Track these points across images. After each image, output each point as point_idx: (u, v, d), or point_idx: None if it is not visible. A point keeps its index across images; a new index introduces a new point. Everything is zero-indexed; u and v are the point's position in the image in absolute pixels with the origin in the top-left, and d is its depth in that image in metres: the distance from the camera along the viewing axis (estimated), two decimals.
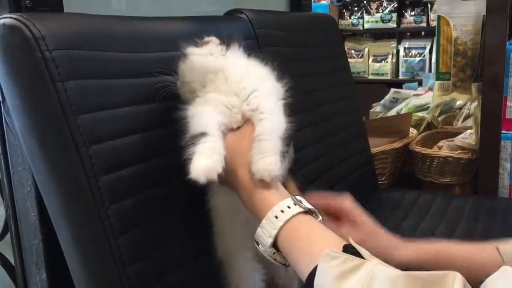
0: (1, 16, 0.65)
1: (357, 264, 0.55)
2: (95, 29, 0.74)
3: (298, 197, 0.66)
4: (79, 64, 0.68)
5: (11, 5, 0.76)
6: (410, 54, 3.97)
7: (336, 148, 1.34)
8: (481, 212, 1.32)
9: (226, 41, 0.74)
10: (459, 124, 1.98)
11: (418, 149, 1.67)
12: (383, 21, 4.05)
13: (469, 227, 1.23)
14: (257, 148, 0.67)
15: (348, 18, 4.20)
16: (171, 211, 0.77)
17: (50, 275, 0.79)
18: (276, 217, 0.63)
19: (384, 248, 0.76)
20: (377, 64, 4.08)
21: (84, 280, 0.69)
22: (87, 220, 0.67)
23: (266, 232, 0.63)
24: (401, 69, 4.01)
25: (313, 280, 0.56)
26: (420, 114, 2.03)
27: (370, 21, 4.11)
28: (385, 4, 4.06)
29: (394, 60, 4.05)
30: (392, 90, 2.42)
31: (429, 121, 1.98)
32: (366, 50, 4.13)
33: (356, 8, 4.18)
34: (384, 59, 4.06)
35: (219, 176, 0.70)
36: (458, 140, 1.65)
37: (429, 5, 3.87)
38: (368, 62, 4.11)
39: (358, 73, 4.06)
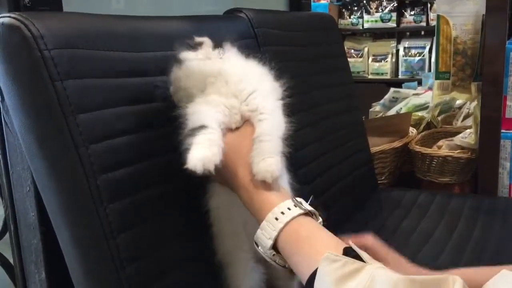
0: (0, 15, 0.65)
1: (357, 267, 0.55)
2: (94, 28, 0.74)
3: (298, 199, 0.66)
4: (78, 63, 0.68)
5: (10, 4, 0.76)
6: (409, 53, 3.98)
7: (335, 147, 1.34)
8: (480, 211, 1.32)
9: (220, 41, 0.74)
10: (458, 123, 1.98)
11: (418, 148, 1.67)
12: (382, 20, 4.05)
13: (468, 226, 1.23)
14: (258, 149, 0.67)
15: (347, 17, 4.20)
16: (170, 210, 0.77)
17: (49, 275, 0.79)
18: (276, 218, 0.62)
19: None
20: (377, 64, 4.08)
21: (83, 280, 0.69)
22: (86, 220, 0.67)
23: (266, 234, 0.63)
24: (401, 69, 4.01)
25: (313, 283, 0.56)
26: (419, 113, 2.03)
27: (369, 21, 4.11)
28: (384, 3, 4.06)
29: (393, 60, 4.05)
30: (392, 89, 2.42)
31: (429, 120, 1.97)
32: (366, 49, 4.13)
33: (355, 8, 4.18)
34: (384, 59, 4.06)
35: (218, 176, 0.70)
36: (458, 139, 1.65)
37: (429, 5, 3.87)
38: (367, 61, 4.11)
39: (358, 72, 4.06)
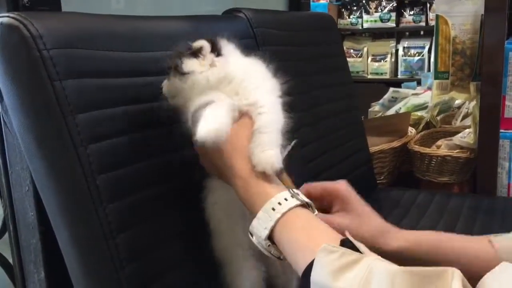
0: None
1: (354, 258, 0.54)
2: (93, 28, 0.74)
3: (295, 190, 0.66)
4: (77, 63, 0.68)
5: (9, 4, 0.76)
6: (409, 53, 3.98)
7: (335, 147, 1.34)
8: (479, 211, 1.32)
9: (219, 42, 0.73)
10: (457, 123, 1.98)
11: (417, 148, 1.67)
12: (382, 20, 4.05)
13: (467, 226, 1.23)
14: (257, 141, 0.67)
15: (347, 17, 4.21)
16: (169, 210, 0.77)
17: (48, 274, 0.79)
18: (273, 209, 0.62)
19: (377, 232, 0.76)
20: (376, 64, 4.08)
21: (82, 279, 0.69)
22: (85, 219, 0.67)
23: (262, 224, 0.62)
24: (400, 69, 4.02)
25: (309, 275, 0.55)
26: (418, 113, 2.03)
27: (369, 21, 4.11)
28: (384, 3, 4.06)
29: (393, 60, 4.06)
30: (391, 89, 2.42)
31: (428, 120, 1.98)
32: (365, 49, 4.13)
33: (355, 8, 4.18)
34: (383, 59, 4.07)
35: (214, 168, 0.70)
36: (457, 139, 1.65)
37: (428, 5, 3.88)
38: (367, 61, 4.11)
39: (357, 72, 4.06)
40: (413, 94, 2.34)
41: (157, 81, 0.75)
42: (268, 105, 0.70)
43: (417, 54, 3.94)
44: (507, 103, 1.48)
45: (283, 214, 0.62)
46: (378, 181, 1.62)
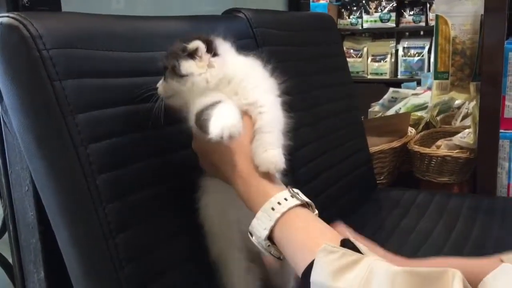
0: None
1: (355, 259, 0.54)
2: (93, 28, 0.74)
3: (295, 190, 0.66)
4: (77, 63, 0.68)
5: (9, 4, 0.76)
6: (409, 53, 3.98)
7: (335, 147, 1.34)
8: (479, 211, 1.32)
9: (214, 41, 0.72)
10: (457, 123, 1.98)
11: (417, 148, 1.67)
12: (382, 20, 4.05)
13: (467, 226, 1.23)
14: (259, 141, 0.67)
15: (347, 17, 4.20)
16: (169, 210, 0.77)
17: (48, 274, 0.79)
18: (273, 208, 0.62)
19: None
20: (376, 64, 4.08)
21: (81, 279, 0.69)
22: (84, 219, 0.67)
23: (261, 224, 0.62)
24: (400, 69, 4.01)
25: (309, 275, 0.55)
26: (418, 113, 2.04)
27: (369, 21, 4.11)
28: (384, 3, 4.06)
29: (393, 60, 4.05)
30: (391, 89, 2.42)
31: (428, 120, 1.98)
32: (365, 49, 4.13)
33: (355, 8, 4.18)
34: (383, 59, 4.06)
35: (213, 168, 0.70)
36: (457, 139, 1.65)
37: (428, 5, 3.88)
38: (367, 61, 4.11)
39: (357, 72, 4.06)
40: (413, 94, 2.34)
41: (157, 81, 0.75)
42: (268, 104, 0.70)
43: (417, 54, 3.94)
44: (507, 103, 1.48)
45: (283, 214, 0.62)
46: (378, 181, 1.62)
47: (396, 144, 1.68)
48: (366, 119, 2.07)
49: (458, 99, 1.99)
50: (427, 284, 0.50)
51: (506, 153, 1.50)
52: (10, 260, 0.89)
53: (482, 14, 1.52)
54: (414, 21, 3.98)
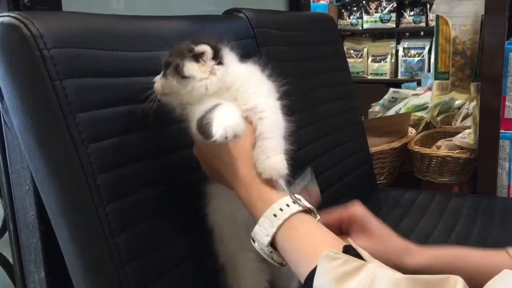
0: (0, 15, 0.65)
1: (358, 265, 0.54)
2: (94, 27, 0.74)
3: (297, 196, 0.66)
4: (78, 62, 0.68)
5: (10, 3, 0.76)
6: (409, 54, 3.98)
7: (334, 147, 1.35)
8: (479, 211, 1.32)
9: (222, 49, 0.72)
10: (457, 123, 1.98)
11: (417, 148, 1.67)
12: (382, 21, 4.05)
13: (467, 226, 1.23)
14: (262, 147, 0.66)
15: (347, 18, 4.20)
16: (170, 210, 0.77)
17: (48, 274, 0.79)
18: (275, 215, 0.62)
19: (397, 252, 0.74)
20: (376, 64, 4.08)
21: (82, 278, 0.69)
22: (85, 219, 0.67)
23: (264, 230, 0.62)
24: (400, 69, 4.02)
25: (312, 281, 0.55)
26: (419, 113, 2.04)
27: (369, 21, 4.11)
28: (384, 4, 4.06)
29: (393, 60, 4.05)
30: (391, 90, 2.42)
31: (428, 120, 1.98)
32: (365, 50, 4.13)
33: (355, 8, 4.18)
34: (383, 59, 4.06)
35: (216, 174, 0.70)
36: (457, 139, 1.65)
37: (428, 5, 3.88)
38: (367, 62, 4.11)
39: (357, 73, 4.06)
40: (413, 95, 2.34)
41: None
42: (268, 109, 0.70)
43: (417, 55, 3.94)
44: (507, 103, 1.48)
45: (285, 221, 0.62)
46: (378, 182, 1.62)
47: (396, 144, 1.68)
48: (366, 120, 2.07)
49: (459, 99, 1.99)
50: None
51: (506, 153, 1.50)
52: (11, 260, 0.89)
53: (482, 15, 1.52)
54: (414, 22, 3.98)
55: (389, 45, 4.10)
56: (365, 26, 4.14)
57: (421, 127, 1.95)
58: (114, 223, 0.67)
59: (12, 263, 0.88)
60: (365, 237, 0.75)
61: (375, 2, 4.08)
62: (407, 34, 4.15)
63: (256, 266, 0.75)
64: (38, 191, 0.71)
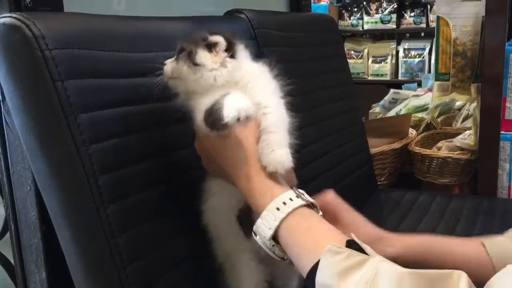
0: (1, 15, 0.66)
1: (360, 260, 0.54)
2: (95, 28, 0.74)
3: (300, 190, 0.66)
4: (79, 63, 0.68)
5: (11, 4, 0.76)
6: (409, 55, 3.98)
7: (335, 148, 1.35)
8: (480, 212, 1.32)
9: (236, 44, 0.72)
10: (458, 124, 1.98)
11: (417, 149, 1.67)
12: (382, 22, 4.05)
13: (468, 227, 1.23)
14: (266, 141, 0.66)
15: (347, 19, 4.21)
16: (170, 210, 0.77)
17: (49, 274, 0.79)
18: (278, 208, 0.62)
19: (370, 241, 0.74)
20: (377, 65, 4.08)
21: (83, 279, 0.69)
22: (86, 219, 0.67)
23: (266, 224, 0.62)
24: (401, 70, 4.02)
25: (314, 275, 0.55)
26: (419, 114, 2.04)
27: (369, 22, 4.11)
28: (384, 5, 4.06)
29: (393, 61, 4.06)
30: (392, 90, 2.42)
31: (428, 121, 1.98)
32: (366, 51, 4.13)
33: (355, 9, 4.18)
34: (384, 60, 4.07)
35: (217, 168, 0.70)
36: (457, 140, 1.65)
37: (429, 6, 3.88)
38: (367, 63, 4.11)
39: (358, 74, 4.06)
40: (413, 96, 2.34)
41: (159, 82, 0.75)
42: (272, 105, 0.70)
43: (417, 56, 3.94)
44: (507, 104, 1.48)
45: (288, 214, 0.62)
46: (378, 182, 1.62)
47: (396, 145, 1.68)
48: (367, 120, 2.07)
49: (459, 100, 1.99)
50: (433, 285, 0.50)
51: (507, 154, 1.50)
52: (12, 260, 0.89)
53: (483, 16, 1.52)
54: (414, 23, 3.98)
55: (390, 46, 4.10)
56: (366, 27, 4.14)
57: (421, 128, 1.95)
58: (115, 223, 0.67)
59: (13, 264, 0.88)
60: (338, 225, 0.75)
61: (376, 3, 4.09)
62: (408, 35, 4.16)
63: (254, 265, 0.75)
64: (40, 192, 0.71)
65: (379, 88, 3.60)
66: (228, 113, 0.62)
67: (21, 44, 0.64)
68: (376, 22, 4.08)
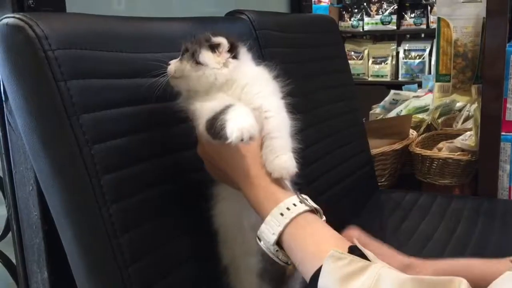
0: (5, 16, 0.66)
1: (363, 266, 0.54)
2: (98, 29, 0.75)
3: (304, 195, 0.66)
4: (82, 63, 0.69)
5: (14, 4, 0.76)
6: (409, 56, 3.98)
7: (335, 149, 1.35)
8: (480, 213, 1.32)
9: (239, 45, 0.73)
10: (458, 125, 1.98)
11: (418, 150, 1.67)
12: (383, 23, 4.05)
13: (468, 228, 1.23)
14: (270, 147, 0.67)
15: (348, 20, 4.20)
16: (173, 210, 0.77)
17: (51, 274, 0.79)
18: (282, 214, 0.62)
19: (400, 269, 0.74)
20: (377, 66, 4.08)
21: (85, 279, 0.69)
22: (89, 219, 0.67)
23: (270, 229, 0.63)
24: (401, 71, 4.01)
25: (317, 280, 0.55)
26: (420, 115, 2.04)
27: (370, 23, 4.11)
28: (385, 6, 4.06)
29: (393, 62, 4.05)
30: (392, 91, 2.42)
31: (429, 122, 1.98)
32: (366, 52, 4.13)
33: (356, 10, 4.18)
34: (384, 61, 4.06)
35: (221, 174, 0.70)
36: (458, 141, 1.66)
37: (429, 7, 3.88)
38: (368, 64, 4.11)
39: (358, 75, 4.06)
40: (414, 97, 2.34)
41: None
42: (274, 108, 0.70)
43: (417, 57, 3.94)
44: (508, 106, 1.48)
45: (292, 220, 0.62)
46: (379, 183, 1.62)
47: (397, 146, 1.69)
48: (367, 121, 2.07)
49: (460, 101, 1.99)
50: None
51: (507, 155, 1.51)
52: (14, 260, 0.89)
53: (484, 17, 1.52)
54: (415, 24, 3.98)
55: (390, 47, 4.10)
56: (366, 28, 4.14)
57: (422, 129, 1.95)
58: (117, 223, 0.68)
59: (15, 264, 0.88)
60: None
61: (376, 4, 4.08)
62: (408, 36, 4.15)
63: (259, 269, 0.75)
64: (42, 192, 0.71)
65: (380, 89, 3.60)
66: (231, 132, 0.61)
67: (24, 44, 0.64)
68: (376, 23, 4.08)
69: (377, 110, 2.36)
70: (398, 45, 4.08)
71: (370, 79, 4.08)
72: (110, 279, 0.68)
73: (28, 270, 0.82)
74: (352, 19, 4.18)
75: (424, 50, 3.93)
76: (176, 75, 0.72)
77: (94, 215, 0.66)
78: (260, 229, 0.64)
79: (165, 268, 0.74)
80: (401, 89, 2.68)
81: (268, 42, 1.16)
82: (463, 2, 1.61)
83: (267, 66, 0.76)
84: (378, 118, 2.21)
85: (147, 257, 0.71)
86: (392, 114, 2.19)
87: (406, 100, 2.29)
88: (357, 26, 4.16)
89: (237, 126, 0.62)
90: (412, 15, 3.99)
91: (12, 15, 0.66)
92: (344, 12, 4.23)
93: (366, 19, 4.12)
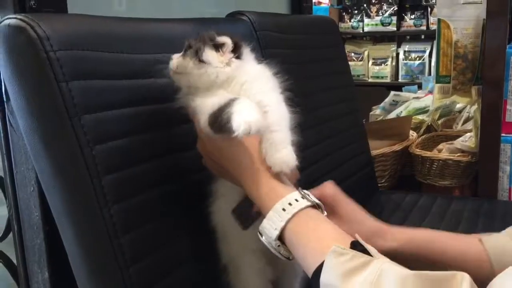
0: (6, 17, 0.66)
1: (365, 261, 0.55)
2: (99, 30, 0.75)
3: (305, 191, 0.66)
4: (83, 64, 0.69)
5: (16, 5, 0.76)
6: (409, 57, 3.98)
7: (336, 150, 1.35)
8: (480, 214, 1.33)
9: (242, 46, 0.74)
10: (459, 127, 1.99)
11: (418, 151, 1.68)
12: (383, 24, 4.05)
13: (468, 229, 1.23)
14: (270, 140, 0.66)
15: (348, 21, 4.21)
16: (174, 211, 0.77)
17: (52, 274, 0.79)
18: (284, 209, 0.63)
19: (369, 234, 0.74)
20: (377, 67, 4.08)
21: (86, 279, 0.69)
22: (90, 220, 0.67)
23: (272, 224, 0.63)
24: (401, 72, 4.02)
25: (319, 276, 0.56)
26: (420, 117, 2.04)
27: (370, 24, 4.11)
28: (385, 7, 4.06)
29: (393, 63, 4.06)
30: (392, 93, 2.42)
31: (429, 124, 1.98)
32: (366, 53, 4.13)
33: (356, 11, 4.18)
34: (384, 62, 4.07)
35: (222, 170, 0.70)
36: (458, 143, 1.66)
37: (429, 9, 3.88)
38: (367, 65, 4.11)
39: (358, 76, 4.06)
40: (414, 98, 2.34)
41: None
42: (273, 103, 0.70)
43: (417, 58, 3.94)
44: (508, 107, 1.48)
45: (294, 215, 0.62)
46: (379, 184, 1.62)
47: (397, 147, 1.69)
48: (367, 122, 2.07)
49: (460, 102, 1.99)
50: (436, 286, 0.50)
51: (507, 157, 1.51)
52: (15, 260, 0.90)
53: (484, 18, 1.52)
54: (415, 25, 3.98)
55: (390, 48, 4.10)
56: (366, 29, 4.14)
57: (422, 130, 1.95)
58: (118, 224, 0.68)
59: (16, 264, 0.88)
60: (337, 218, 0.75)
61: (376, 5, 4.09)
62: (408, 37, 4.15)
63: (259, 267, 0.75)
64: (43, 192, 0.71)
65: (380, 90, 3.60)
66: (238, 125, 0.61)
67: (26, 45, 0.64)
68: (376, 25, 4.08)
69: (377, 111, 2.36)
70: (398, 46, 4.08)
71: (370, 80, 4.08)
72: (111, 280, 0.68)
73: (29, 271, 0.83)
74: (352, 20, 4.19)
75: (424, 51, 3.93)
76: (178, 71, 0.72)
77: (95, 215, 0.67)
78: (262, 224, 0.64)
79: (165, 268, 0.74)
80: (401, 90, 2.68)
81: (268, 43, 1.16)
82: (463, 3, 1.61)
83: (267, 64, 0.76)
84: (378, 119, 2.22)
85: (148, 257, 0.71)
86: (392, 115, 2.20)
87: (406, 101, 2.30)
88: (357, 27, 4.16)
89: (244, 119, 0.62)
90: (412, 17, 3.99)
91: (14, 16, 0.66)
92: (344, 13, 4.23)
93: (366, 20, 4.13)
